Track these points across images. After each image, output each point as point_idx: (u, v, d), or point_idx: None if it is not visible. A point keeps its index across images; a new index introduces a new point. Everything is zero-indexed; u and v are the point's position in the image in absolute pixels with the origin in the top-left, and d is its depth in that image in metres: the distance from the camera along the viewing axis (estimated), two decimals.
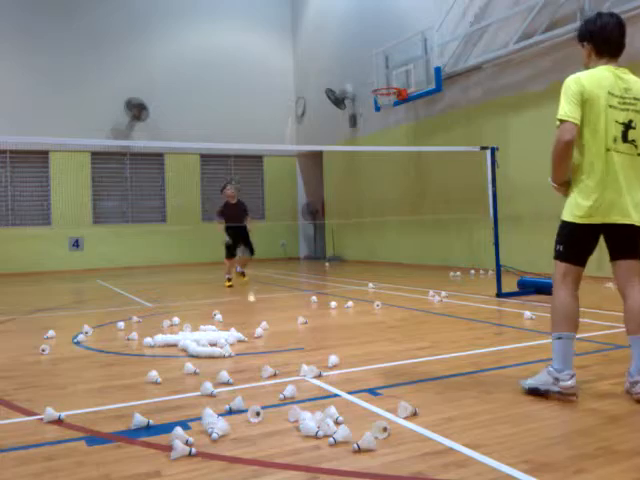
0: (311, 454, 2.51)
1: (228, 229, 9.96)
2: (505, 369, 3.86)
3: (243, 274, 10.35)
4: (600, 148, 3.13)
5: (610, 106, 3.12)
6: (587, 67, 3.31)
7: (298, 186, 18.28)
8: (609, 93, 3.13)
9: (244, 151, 17.25)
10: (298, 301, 8.01)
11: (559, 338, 3.19)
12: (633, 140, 3.15)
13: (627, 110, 3.14)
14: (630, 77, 3.23)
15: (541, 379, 3.22)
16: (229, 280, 10.08)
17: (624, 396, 3.16)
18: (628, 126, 3.14)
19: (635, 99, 3.17)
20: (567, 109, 3.11)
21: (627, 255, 3.23)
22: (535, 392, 3.23)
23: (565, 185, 3.31)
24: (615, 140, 3.13)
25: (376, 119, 14.09)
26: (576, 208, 3.18)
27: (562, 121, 3.11)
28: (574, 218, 3.18)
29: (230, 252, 10.07)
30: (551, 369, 3.18)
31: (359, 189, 15.05)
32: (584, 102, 3.12)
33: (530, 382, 3.27)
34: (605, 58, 3.24)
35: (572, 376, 3.12)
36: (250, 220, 10.16)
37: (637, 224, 3.13)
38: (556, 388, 3.14)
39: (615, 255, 3.27)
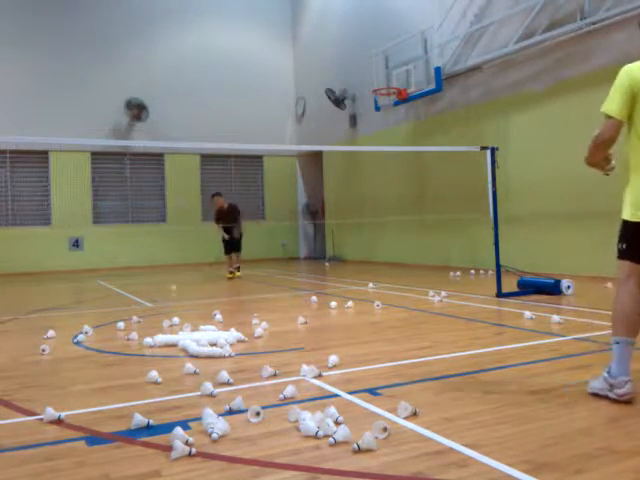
0: (311, 454, 2.50)
1: (224, 229, 11.63)
2: (505, 369, 3.85)
3: (232, 272, 11.65)
4: None
5: None
6: None
7: (298, 186, 18.28)
8: None
9: (244, 151, 17.26)
10: (298, 301, 8.01)
11: (617, 343, 3.09)
12: None
13: None
14: None
15: (599, 385, 3.15)
16: (230, 273, 11.53)
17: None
18: None
19: None
20: (614, 104, 2.98)
21: None
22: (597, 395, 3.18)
23: (604, 162, 3.20)
24: None
25: (376, 119, 14.08)
26: (633, 206, 3.06)
27: (607, 117, 3.00)
28: (630, 216, 3.08)
29: (226, 249, 11.74)
30: (606, 375, 3.09)
31: (359, 189, 15.05)
32: (634, 96, 2.97)
33: (592, 386, 3.20)
34: None
35: (627, 382, 3.02)
36: (240, 220, 11.71)
37: None
38: (612, 395, 3.06)
39: None
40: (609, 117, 3.00)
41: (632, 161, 3.09)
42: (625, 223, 3.13)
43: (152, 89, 15.99)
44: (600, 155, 3.12)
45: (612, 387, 3.06)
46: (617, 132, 3.01)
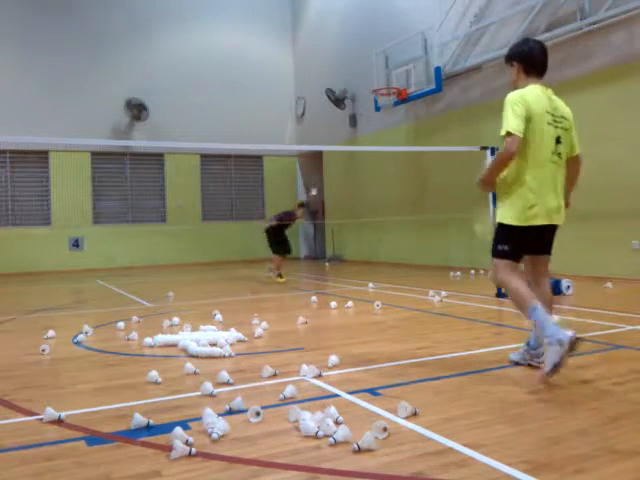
0: (311, 454, 2.50)
1: (281, 232, 10.58)
2: (505, 369, 3.85)
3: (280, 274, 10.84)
4: (541, 159, 3.57)
5: (547, 123, 3.60)
6: (516, 85, 3.84)
7: (298, 186, 18.27)
8: (546, 111, 3.61)
9: (244, 151, 17.26)
10: (298, 301, 8.01)
11: (534, 309, 3.45)
12: (559, 153, 3.65)
13: (556, 127, 3.64)
14: (556, 98, 3.75)
15: (519, 356, 3.89)
16: (280, 276, 10.50)
17: (624, 396, 3.16)
18: (557, 141, 3.63)
19: (562, 117, 3.68)
20: (515, 123, 3.50)
21: (548, 251, 3.78)
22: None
23: (492, 184, 3.71)
24: (552, 153, 3.61)
25: (376, 119, 14.08)
26: (522, 212, 3.56)
27: (510, 134, 3.47)
28: (520, 222, 3.55)
29: (280, 251, 10.61)
30: (527, 347, 3.82)
31: (359, 189, 15.05)
32: (528, 118, 3.53)
33: (512, 358, 3.95)
34: (532, 77, 3.77)
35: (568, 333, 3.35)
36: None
37: (559, 223, 3.68)
38: (534, 363, 3.73)
39: (538, 251, 3.75)
40: (510, 135, 3.47)
41: (516, 174, 3.58)
42: (510, 227, 3.60)
43: (152, 89, 15.99)
44: (500, 172, 3.60)
45: (532, 357, 3.77)
46: (519, 147, 3.48)
